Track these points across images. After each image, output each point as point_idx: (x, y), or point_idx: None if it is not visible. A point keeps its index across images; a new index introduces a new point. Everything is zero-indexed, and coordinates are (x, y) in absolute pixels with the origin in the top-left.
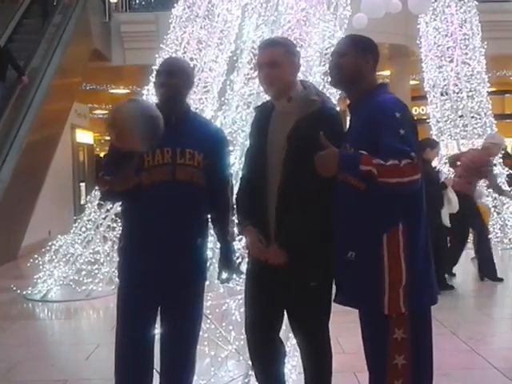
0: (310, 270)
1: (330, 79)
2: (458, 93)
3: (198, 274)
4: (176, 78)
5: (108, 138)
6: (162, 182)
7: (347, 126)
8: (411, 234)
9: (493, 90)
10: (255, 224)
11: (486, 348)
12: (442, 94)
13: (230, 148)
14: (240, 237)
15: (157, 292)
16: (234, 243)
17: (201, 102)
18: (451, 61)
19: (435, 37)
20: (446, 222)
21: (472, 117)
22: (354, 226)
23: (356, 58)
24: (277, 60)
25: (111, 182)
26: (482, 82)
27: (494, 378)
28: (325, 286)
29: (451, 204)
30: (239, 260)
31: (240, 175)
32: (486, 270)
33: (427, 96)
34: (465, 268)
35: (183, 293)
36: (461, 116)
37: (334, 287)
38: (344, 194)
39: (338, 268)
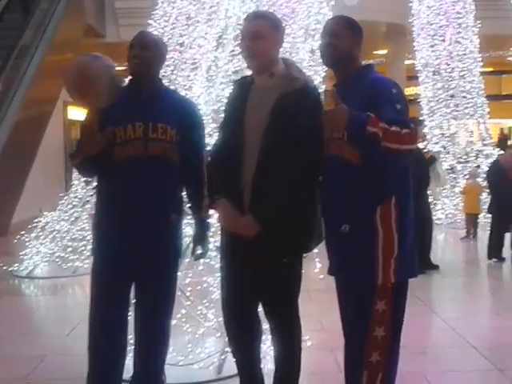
0: (283, 245)
1: (322, 58)
2: (449, 72)
3: (171, 250)
4: (148, 51)
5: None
6: (135, 156)
7: None
8: (402, 207)
9: (490, 70)
10: (228, 197)
11: (466, 327)
12: (433, 73)
13: (214, 125)
14: (212, 211)
15: (131, 267)
16: (208, 219)
17: (189, 79)
18: (444, 40)
19: (428, 15)
20: (436, 197)
21: (463, 96)
22: (348, 200)
23: (348, 38)
24: (261, 32)
25: (81, 148)
26: (475, 62)
27: (471, 356)
28: (297, 262)
29: (439, 179)
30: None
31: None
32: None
33: (419, 75)
34: (454, 248)
35: (157, 268)
36: (452, 96)
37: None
38: (337, 169)
39: (332, 241)
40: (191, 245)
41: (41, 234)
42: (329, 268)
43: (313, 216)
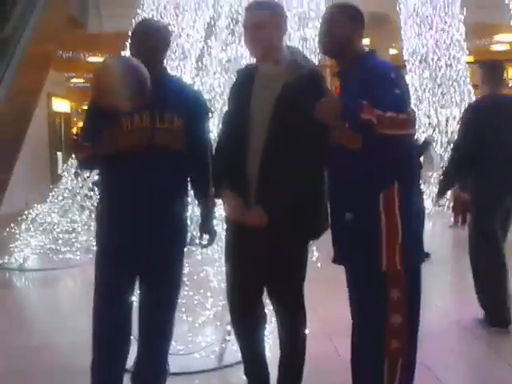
0: (292, 232)
1: (319, 46)
2: (436, 61)
3: (176, 241)
4: (152, 40)
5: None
6: (141, 146)
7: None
8: (405, 193)
9: (472, 60)
10: (234, 187)
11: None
12: (420, 62)
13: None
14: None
15: (135, 258)
16: (214, 207)
17: (178, 68)
18: (430, 28)
19: (415, 4)
20: (428, 181)
21: (451, 85)
22: (350, 188)
23: (347, 26)
24: (263, 22)
25: (93, 147)
26: (461, 50)
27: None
28: (304, 248)
29: (432, 163)
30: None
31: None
32: None
33: (406, 64)
34: (442, 235)
35: (162, 260)
36: (439, 84)
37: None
38: (339, 157)
39: (336, 229)
40: (195, 233)
41: (31, 226)
42: (333, 257)
43: (320, 203)
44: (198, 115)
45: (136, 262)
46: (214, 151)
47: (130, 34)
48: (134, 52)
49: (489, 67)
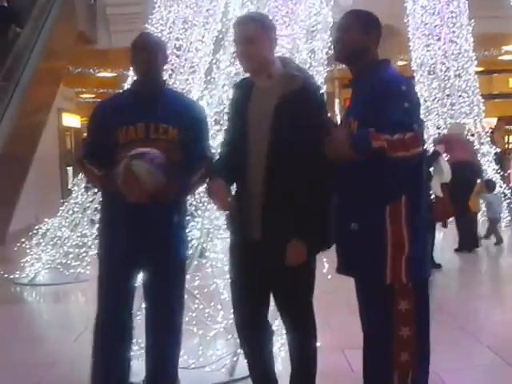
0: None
1: (333, 53)
2: (445, 71)
3: (176, 252)
4: (153, 54)
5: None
6: None
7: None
8: (413, 207)
9: (480, 69)
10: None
11: (475, 325)
12: (429, 73)
13: (217, 128)
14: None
15: (136, 267)
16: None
17: (187, 82)
18: (438, 39)
19: (422, 15)
20: (438, 192)
21: (459, 96)
22: (356, 198)
23: (359, 33)
24: (251, 36)
25: (91, 180)
26: (470, 61)
27: (482, 354)
28: (312, 261)
29: (443, 174)
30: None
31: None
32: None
33: (414, 75)
34: (453, 245)
35: (162, 272)
36: (448, 95)
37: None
38: (346, 167)
39: (340, 238)
40: (199, 247)
41: (41, 240)
42: (337, 267)
43: (327, 214)
44: (194, 126)
45: (137, 269)
46: (213, 165)
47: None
48: (133, 65)
49: None
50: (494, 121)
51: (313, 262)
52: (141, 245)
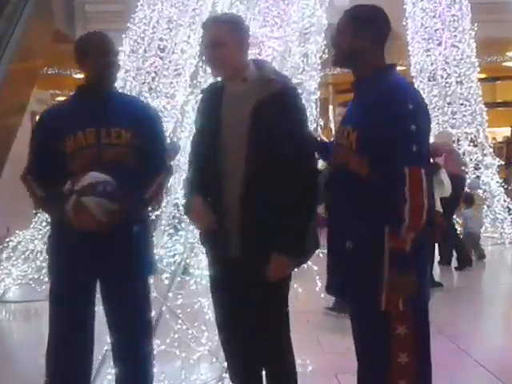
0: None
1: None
2: (446, 78)
3: (137, 264)
4: (114, 56)
5: None
6: (89, 164)
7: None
8: None
9: (483, 76)
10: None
11: (474, 347)
12: (429, 80)
13: None
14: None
15: (92, 282)
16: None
17: (171, 86)
18: (439, 44)
19: (422, 18)
20: (438, 206)
21: (461, 104)
22: (353, 215)
23: (353, 34)
24: (220, 38)
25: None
26: (472, 67)
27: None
28: (284, 287)
29: (443, 187)
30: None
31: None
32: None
33: (414, 81)
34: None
35: (121, 286)
36: (449, 103)
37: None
38: (342, 180)
39: (333, 257)
40: (183, 263)
41: (12, 254)
42: (326, 285)
43: (305, 226)
44: (148, 129)
45: (93, 285)
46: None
47: (119, 51)
48: (88, 67)
49: None
50: (503, 130)
51: (286, 288)
52: (95, 267)
